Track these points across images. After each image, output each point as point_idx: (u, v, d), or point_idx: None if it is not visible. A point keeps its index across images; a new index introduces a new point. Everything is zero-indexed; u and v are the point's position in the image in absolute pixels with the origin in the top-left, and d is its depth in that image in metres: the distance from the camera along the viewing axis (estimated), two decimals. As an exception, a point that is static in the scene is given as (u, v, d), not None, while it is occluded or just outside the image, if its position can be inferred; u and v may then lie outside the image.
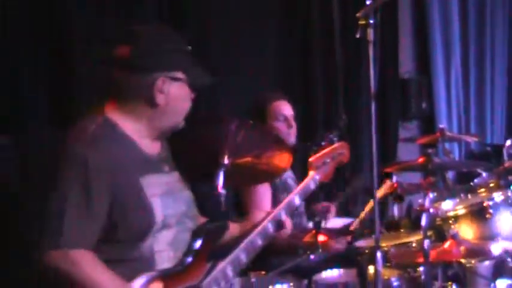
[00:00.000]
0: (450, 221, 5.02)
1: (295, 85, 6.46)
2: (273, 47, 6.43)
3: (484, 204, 4.97)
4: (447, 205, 5.10)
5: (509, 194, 5.01)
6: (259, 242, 3.28)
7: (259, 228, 3.30)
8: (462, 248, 4.87)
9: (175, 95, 3.08)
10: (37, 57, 4.89)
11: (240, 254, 3.20)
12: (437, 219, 4.99)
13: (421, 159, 5.12)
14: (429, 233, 4.69)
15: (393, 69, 7.32)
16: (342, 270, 4.87)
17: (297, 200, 3.50)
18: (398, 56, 7.42)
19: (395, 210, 5.89)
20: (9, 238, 4.47)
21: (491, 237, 4.94)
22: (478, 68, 7.72)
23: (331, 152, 3.71)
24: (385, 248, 4.80)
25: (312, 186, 3.59)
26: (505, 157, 5.63)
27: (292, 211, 3.50)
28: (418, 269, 4.78)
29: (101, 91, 3.11)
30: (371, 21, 4.18)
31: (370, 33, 4.19)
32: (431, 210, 4.83)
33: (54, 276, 2.80)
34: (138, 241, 2.96)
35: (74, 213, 2.80)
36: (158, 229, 2.99)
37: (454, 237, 4.88)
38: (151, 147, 3.10)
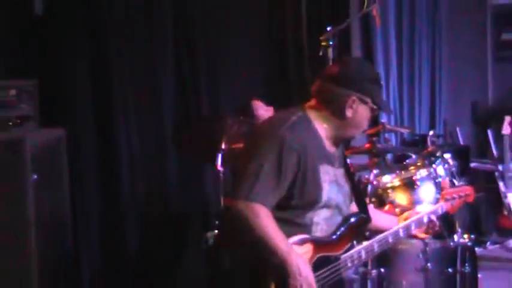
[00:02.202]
0: (388, 191, 5.04)
1: (275, 90, 6.46)
2: (259, 61, 6.46)
3: (413, 178, 5.00)
4: (386, 179, 5.12)
5: (431, 170, 5.04)
6: (390, 240, 3.30)
7: (393, 230, 3.33)
8: (397, 210, 4.90)
9: (360, 114, 3.07)
10: (84, 60, 4.88)
11: (374, 244, 3.23)
12: (379, 189, 5.01)
13: (367, 145, 5.14)
14: (373, 199, 4.72)
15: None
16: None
17: (426, 219, 3.51)
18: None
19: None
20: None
21: (419, 202, 4.97)
22: (409, 78, 7.70)
23: (461, 191, 3.72)
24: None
25: (439, 212, 3.63)
26: (429, 143, 5.64)
27: (420, 225, 3.52)
28: (365, 226, 4.82)
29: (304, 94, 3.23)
30: (331, 43, 4.20)
31: (330, 52, 4.20)
32: (374, 183, 4.86)
33: (236, 219, 2.84)
34: (304, 211, 2.97)
35: (266, 179, 2.83)
36: (321, 206, 3.00)
37: (392, 202, 4.92)
38: (330, 145, 3.10)
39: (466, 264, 4.78)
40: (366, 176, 5.04)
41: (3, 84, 3.66)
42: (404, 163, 5.49)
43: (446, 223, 5.59)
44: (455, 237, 4.93)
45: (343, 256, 3.08)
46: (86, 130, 4.93)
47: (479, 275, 5.01)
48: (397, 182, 5.07)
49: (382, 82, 3.28)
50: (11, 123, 3.63)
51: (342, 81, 3.03)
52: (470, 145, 7.74)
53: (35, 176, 3.64)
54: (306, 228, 2.98)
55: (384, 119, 7.21)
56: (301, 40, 6.55)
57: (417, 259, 4.63)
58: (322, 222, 3.03)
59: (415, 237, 4.28)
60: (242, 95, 5.71)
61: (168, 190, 5.34)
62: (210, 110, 5.70)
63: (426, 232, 3.73)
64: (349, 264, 3.10)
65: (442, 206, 3.67)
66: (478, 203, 7.18)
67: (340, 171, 3.17)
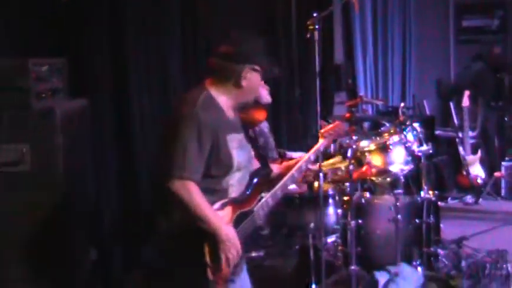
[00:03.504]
0: (366, 154, 5.03)
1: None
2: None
3: (387, 143, 4.98)
4: (364, 143, 5.11)
5: (402, 136, 5.05)
6: (289, 183, 3.27)
7: (290, 174, 3.28)
8: (373, 170, 4.92)
9: (253, 81, 3.03)
10: (103, 41, 4.90)
11: (277, 191, 3.20)
12: (358, 152, 5.00)
13: (347, 115, 5.14)
14: (352, 161, 4.73)
15: (330, 58, 7.31)
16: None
17: (313, 157, 3.46)
18: (334, 50, 7.42)
19: (332, 147, 5.91)
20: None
21: (391, 163, 4.98)
22: (383, 58, 7.73)
23: (334, 128, 3.64)
24: (325, 171, 4.84)
25: (322, 148, 3.56)
26: (400, 114, 5.64)
27: (309, 164, 3.47)
28: (345, 184, 4.83)
29: (202, 73, 3.13)
30: (316, 27, 4.17)
31: (316, 35, 4.18)
32: (354, 147, 4.86)
33: (173, 197, 2.81)
34: (221, 177, 2.94)
35: (191, 156, 2.80)
36: (234, 171, 2.97)
37: (368, 163, 4.92)
38: (231, 114, 3.05)
39: (431, 216, 4.82)
40: (347, 141, 5.04)
41: (37, 61, 3.65)
42: (379, 130, 5.47)
43: (415, 183, 5.66)
44: (422, 193, 4.97)
45: (256, 207, 3.10)
46: (105, 101, 4.94)
47: (441, 225, 5.06)
48: (373, 146, 5.07)
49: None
50: (44, 95, 3.62)
51: (235, 57, 2.99)
52: (435, 115, 7.77)
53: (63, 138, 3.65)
54: (224, 192, 2.97)
55: (362, 92, 7.27)
56: (291, 25, 6.56)
57: (389, 211, 4.66)
58: (236, 183, 3.01)
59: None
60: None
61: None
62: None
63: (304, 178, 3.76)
64: (261, 212, 3.11)
65: (323, 143, 3.59)
66: (441, 165, 7.24)
67: (242, 135, 3.14)
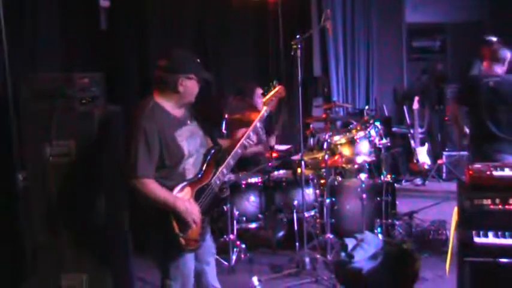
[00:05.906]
0: (338, 146, 5.04)
1: (262, 78, 6.45)
2: (251, 59, 6.45)
3: (355, 137, 5.00)
4: (336, 138, 5.12)
5: (367, 132, 5.04)
6: (240, 151, 3.09)
7: (240, 143, 3.11)
8: (343, 159, 4.90)
9: (189, 87, 2.91)
10: (133, 61, 4.88)
11: (230, 161, 3.06)
12: (332, 145, 5.00)
13: (324, 115, 5.12)
14: (327, 152, 4.72)
15: (310, 70, 7.28)
16: (284, 171, 4.91)
17: (259, 124, 3.22)
18: (313, 64, 7.39)
19: (311, 141, 5.90)
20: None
21: (358, 154, 4.98)
22: (352, 70, 7.70)
23: (275, 94, 3.39)
24: (307, 160, 4.83)
25: (265, 115, 3.28)
26: (365, 114, 5.63)
27: (256, 131, 3.19)
28: (322, 170, 4.82)
29: (152, 84, 2.97)
30: (299, 46, 4.15)
31: (298, 53, 4.15)
32: (328, 140, 4.85)
33: (134, 192, 2.77)
34: (176, 165, 2.85)
35: (143, 158, 2.74)
36: (186, 158, 2.88)
37: (340, 153, 4.91)
38: (178, 113, 2.93)
39: (389, 195, 4.81)
40: (323, 136, 5.04)
41: (81, 75, 3.61)
42: (349, 127, 5.48)
43: (376, 169, 5.65)
44: (382, 177, 4.96)
45: (212, 180, 2.97)
46: (134, 107, 4.94)
47: (397, 202, 5.05)
48: (343, 140, 5.08)
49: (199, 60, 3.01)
50: (85, 101, 3.59)
51: (170, 69, 2.87)
52: (392, 116, 7.76)
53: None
54: (181, 176, 2.88)
55: (335, 98, 7.26)
56: (279, 45, 6.54)
57: (356, 191, 4.66)
58: (190, 167, 2.90)
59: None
60: (238, 80, 5.76)
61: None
62: (217, 91, 5.73)
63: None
64: (218, 182, 3.00)
65: (266, 110, 3.27)
66: (396, 155, 7.24)
67: (193, 125, 2.99)
